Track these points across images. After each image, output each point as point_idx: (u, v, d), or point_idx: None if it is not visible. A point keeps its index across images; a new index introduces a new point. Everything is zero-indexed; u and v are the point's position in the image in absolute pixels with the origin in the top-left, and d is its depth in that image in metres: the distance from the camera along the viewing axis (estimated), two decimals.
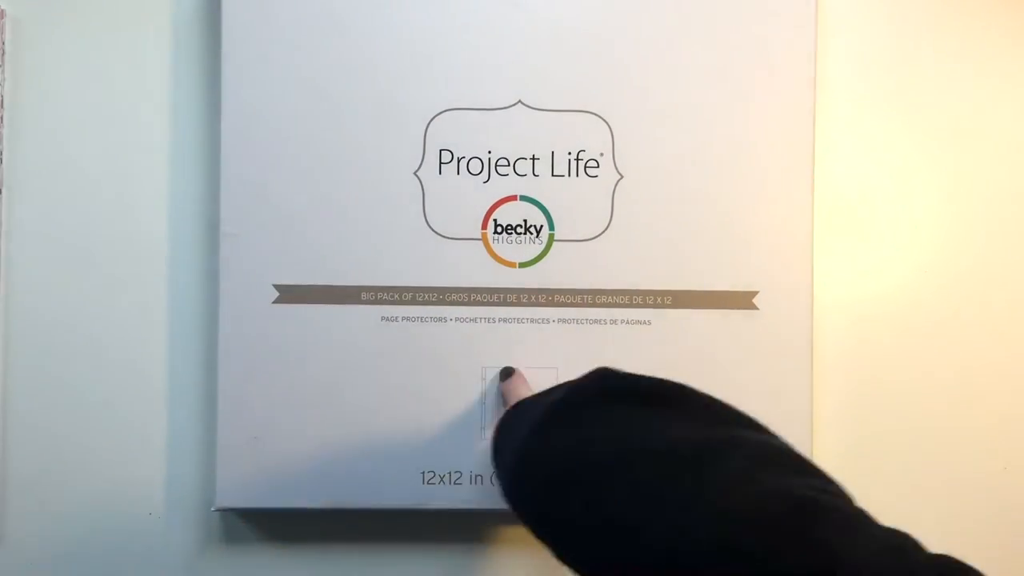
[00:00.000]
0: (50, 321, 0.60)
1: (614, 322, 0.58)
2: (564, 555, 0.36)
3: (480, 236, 0.58)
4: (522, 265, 0.58)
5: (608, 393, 0.38)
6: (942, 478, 0.62)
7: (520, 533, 0.61)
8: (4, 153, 0.59)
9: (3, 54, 0.59)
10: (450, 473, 0.57)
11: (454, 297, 0.58)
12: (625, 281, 0.58)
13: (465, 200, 0.58)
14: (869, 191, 0.62)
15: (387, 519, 0.60)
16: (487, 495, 0.58)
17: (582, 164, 0.58)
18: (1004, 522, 0.62)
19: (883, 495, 0.62)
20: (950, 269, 0.62)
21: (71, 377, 0.60)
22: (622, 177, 0.58)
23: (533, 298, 0.58)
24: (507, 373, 0.57)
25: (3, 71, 0.59)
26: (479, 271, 0.58)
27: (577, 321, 0.58)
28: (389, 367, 0.57)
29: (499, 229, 0.58)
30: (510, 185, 0.58)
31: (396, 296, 0.58)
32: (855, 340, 0.62)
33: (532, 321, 0.58)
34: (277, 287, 0.57)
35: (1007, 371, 0.62)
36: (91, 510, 0.60)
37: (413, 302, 0.58)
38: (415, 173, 0.58)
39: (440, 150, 0.58)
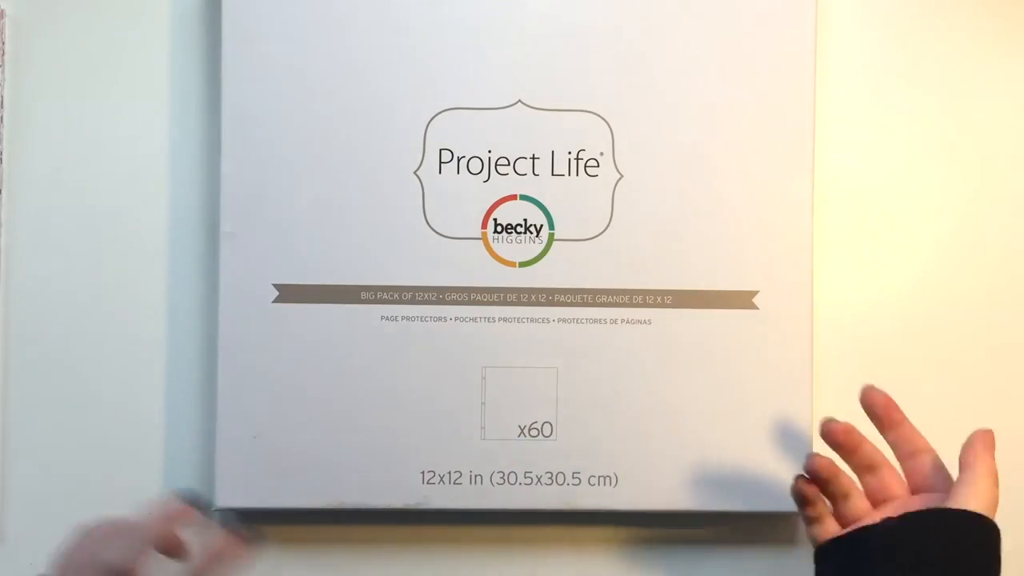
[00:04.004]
0: (49, 321, 0.60)
1: (614, 321, 0.58)
2: None
3: (480, 235, 0.58)
4: (522, 264, 0.58)
5: None
6: None
7: (520, 533, 0.61)
8: (4, 153, 0.59)
9: (3, 54, 0.59)
10: (450, 473, 0.57)
11: (454, 296, 0.58)
12: (625, 280, 0.58)
13: (465, 199, 0.58)
14: (869, 190, 0.62)
15: (387, 519, 0.60)
16: (487, 495, 0.57)
17: (582, 163, 0.58)
18: (1004, 522, 0.62)
19: None
20: (951, 269, 0.62)
21: (71, 377, 0.60)
22: (622, 176, 0.58)
23: (533, 297, 0.58)
24: None
25: (3, 71, 0.59)
26: (479, 270, 0.58)
27: (577, 320, 0.58)
28: (389, 366, 0.57)
29: (499, 228, 0.58)
30: (510, 184, 0.58)
31: (396, 295, 0.58)
32: (855, 340, 0.62)
33: (532, 321, 0.58)
34: (277, 286, 0.57)
35: (1008, 371, 0.62)
36: (91, 510, 0.60)
37: (413, 301, 0.58)
38: (415, 172, 0.58)
39: (440, 149, 0.58)
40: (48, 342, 0.60)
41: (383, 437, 0.57)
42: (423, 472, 0.57)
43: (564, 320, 0.58)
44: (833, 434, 0.49)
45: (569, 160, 0.58)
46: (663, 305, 0.58)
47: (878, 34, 0.62)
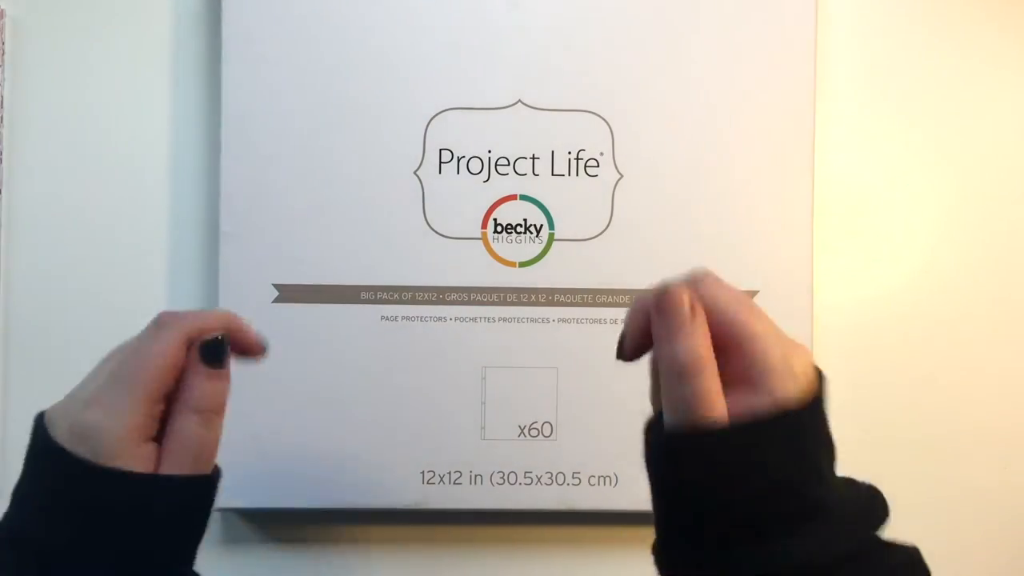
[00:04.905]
0: (50, 320, 0.60)
1: (614, 321, 0.58)
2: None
3: (480, 235, 0.58)
4: (522, 264, 0.58)
5: None
6: (942, 477, 0.62)
7: (520, 533, 0.61)
8: (4, 153, 0.59)
9: (3, 54, 0.59)
10: (450, 473, 0.57)
11: (454, 296, 0.58)
12: (625, 280, 0.58)
13: (465, 199, 0.58)
14: (869, 190, 0.62)
15: (387, 519, 0.60)
16: (487, 495, 0.57)
17: (582, 163, 0.58)
18: (1004, 521, 0.62)
19: (883, 494, 0.61)
20: (951, 269, 0.62)
21: (71, 377, 0.60)
22: (622, 176, 0.58)
23: (533, 297, 0.58)
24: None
25: (3, 71, 0.59)
26: (479, 270, 0.58)
27: (577, 320, 0.58)
28: (389, 366, 0.57)
29: (499, 228, 0.58)
30: (510, 184, 0.58)
31: (396, 295, 0.58)
32: (855, 340, 0.62)
33: (532, 321, 0.58)
34: (277, 287, 0.57)
35: (1008, 371, 0.62)
36: None
37: (413, 301, 0.58)
38: (415, 172, 0.58)
39: (440, 149, 0.58)
40: (48, 342, 0.60)
41: (383, 437, 0.57)
42: (423, 472, 0.57)
43: (564, 320, 0.58)
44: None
45: (569, 160, 0.58)
46: None
47: (878, 34, 0.62)
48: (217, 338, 0.38)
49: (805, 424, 0.35)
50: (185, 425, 0.36)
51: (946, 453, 0.62)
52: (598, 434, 0.58)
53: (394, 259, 0.58)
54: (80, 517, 0.34)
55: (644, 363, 0.58)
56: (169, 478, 0.35)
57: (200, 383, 0.37)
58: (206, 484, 0.37)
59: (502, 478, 0.58)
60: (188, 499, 0.36)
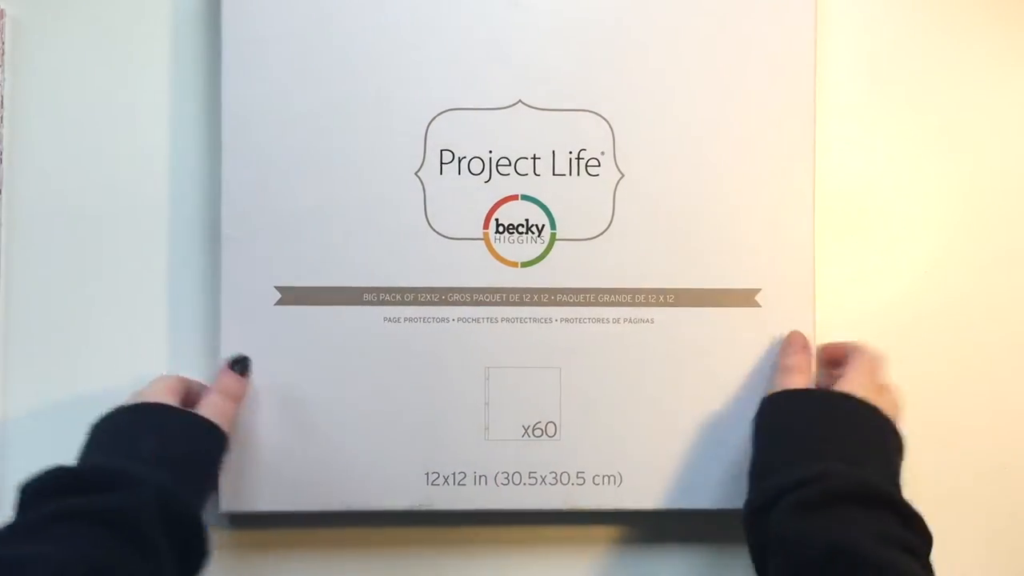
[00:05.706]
0: (50, 323, 0.59)
1: (616, 321, 0.58)
2: None
3: (482, 236, 0.58)
4: (524, 264, 0.58)
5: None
6: (941, 477, 0.62)
7: (524, 533, 0.61)
8: (4, 153, 0.59)
9: (3, 54, 0.59)
10: (454, 474, 0.57)
11: (456, 297, 0.58)
12: (627, 280, 0.58)
13: (466, 200, 0.58)
14: (870, 189, 0.62)
15: (391, 520, 0.60)
16: (491, 496, 0.57)
17: (583, 163, 0.58)
18: (1001, 521, 0.63)
19: None
20: (952, 268, 0.62)
21: (71, 380, 0.60)
22: (623, 176, 0.58)
23: (535, 297, 0.58)
24: None
25: (3, 71, 0.59)
26: (481, 271, 0.58)
27: (579, 320, 0.58)
28: (392, 368, 0.57)
29: (501, 229, 0.58)
30: (511, 185, 0.58)
31: (398, 297, 0.58)
32: (857, 338, 0.62)
33: (535, 321, 0.58)
34: (279, 289, 0.57)
35: (1008, 371, 0.63)
36: None
37: (415, 302, 0.58)
38: (416, 173, 0.58)
39: (441, 150, 0.58)
40: (48, 345, 0.59)
41: (387, 439, 0.57)
42: (427, 473, 0.57)
43: (567, 320, 0.58)
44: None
45: (570, 160, 0.58)
46: (665, 304, 0.58)
47: (878, 34, 0.63)
48: (243, 356, 0.57)
49: (841, 405, 0.52)
50: (210, 398, 0.54)
51: (944, 450, 0.62)
52: (602, 433, 0.58)
53: (396, 260, 0.58)
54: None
55: (645, 365, 0.58)
56: (201, 416, 0.52)
57: (222, 377, 0.55)
58: (222, 435, 0.53)
59: (506, 478, 0.58)
60: (216, 433, 0.52)
